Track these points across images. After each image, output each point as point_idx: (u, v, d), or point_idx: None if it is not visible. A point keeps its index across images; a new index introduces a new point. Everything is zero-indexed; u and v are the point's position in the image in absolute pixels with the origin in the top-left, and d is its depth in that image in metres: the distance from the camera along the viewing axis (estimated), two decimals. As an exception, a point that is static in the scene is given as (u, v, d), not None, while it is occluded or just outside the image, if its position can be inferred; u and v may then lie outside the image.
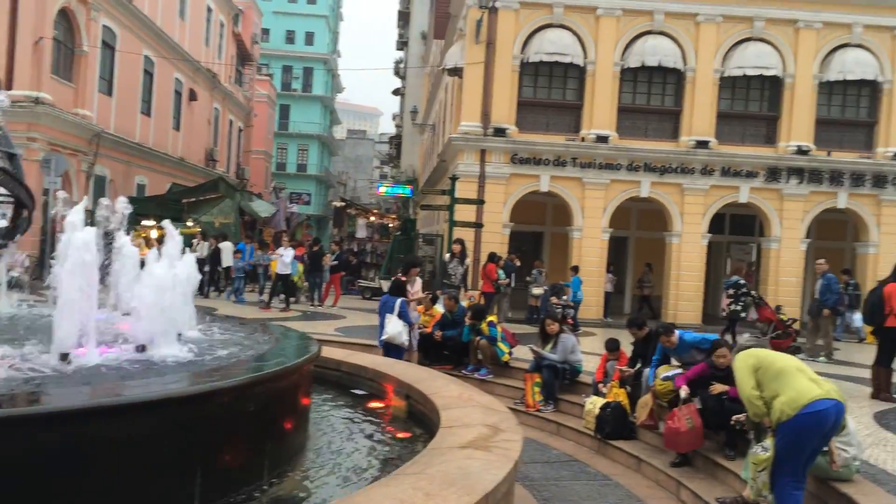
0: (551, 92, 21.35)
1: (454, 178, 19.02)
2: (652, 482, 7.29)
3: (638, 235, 23.82)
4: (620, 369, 8.83)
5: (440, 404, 5.74)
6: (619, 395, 8.52)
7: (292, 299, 21.26)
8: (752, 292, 15.93)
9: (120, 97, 26.11)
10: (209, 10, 35.02)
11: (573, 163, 20.54)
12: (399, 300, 9.75)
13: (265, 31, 59.31)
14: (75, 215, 4.99)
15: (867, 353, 12.35)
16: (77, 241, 4.79)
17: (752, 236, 23.24)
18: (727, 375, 6.65)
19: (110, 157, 25.41)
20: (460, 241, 16.05)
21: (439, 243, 23.44)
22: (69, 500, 3.54)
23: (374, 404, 6.99)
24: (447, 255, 16.46)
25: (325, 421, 6.30)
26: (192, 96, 32.68)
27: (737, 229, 23.50)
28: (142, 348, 5.05)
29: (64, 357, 4.48)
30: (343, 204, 37.90)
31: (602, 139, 20.47)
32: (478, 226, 19.49)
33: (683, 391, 7.07)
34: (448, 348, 11.16)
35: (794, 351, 14.05)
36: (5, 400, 3.62)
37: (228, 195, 28.23)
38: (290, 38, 65.54)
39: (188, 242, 21.44)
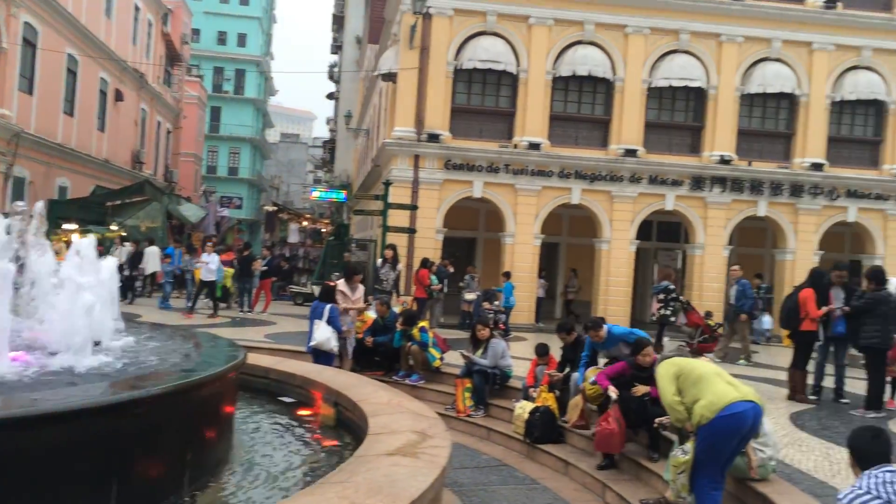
0: (484, 99, 21.54)
1: (388, 184, 18.99)
2: (579, 485, 7.40)
3: (569, 241, 24.22)
4: (549, 374, 8.94)
5: (369, 411, 5.71)
6: (548, 399, 8.62)
7: (223, 305, 20.86)
8: (681, 298, 16.37)
9: (41, 96, 25.14)
10: (136, 8, 34.09)
11: (506, 169, 20.76)
12: (328, 306, 9.65)
13: (196, 32, 58.04)
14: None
15: (784, 356, 12.83)
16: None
17: (677, 243, 23.89)
18: (650, 376, 6.80)
19: (30, 157, 24.42)
20: (392, 247, 16.02)
21: (373, 248, 23.34)
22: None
23: (302, 412, 6.90)
24: (379, 261, 16.40)
25: (250, 430, 6.19)
26: (119, 96, 31.73)
27: (663, 236, 24.14)
28: (56, 357, 4.86)
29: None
30: (275, 208, 37.32)
31: (534, 146, 20.75)
32: (411, 231, 19.49)
33: (613, 392, 7.17)
34: (379, 354, 11.10)
35: (724, 356, 14.59)
36: None
37: (155, 198, 27.48)
38: (221, 39, 64.33)
39: (109, 247, 20.81)
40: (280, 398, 7.24)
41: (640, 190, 21.22)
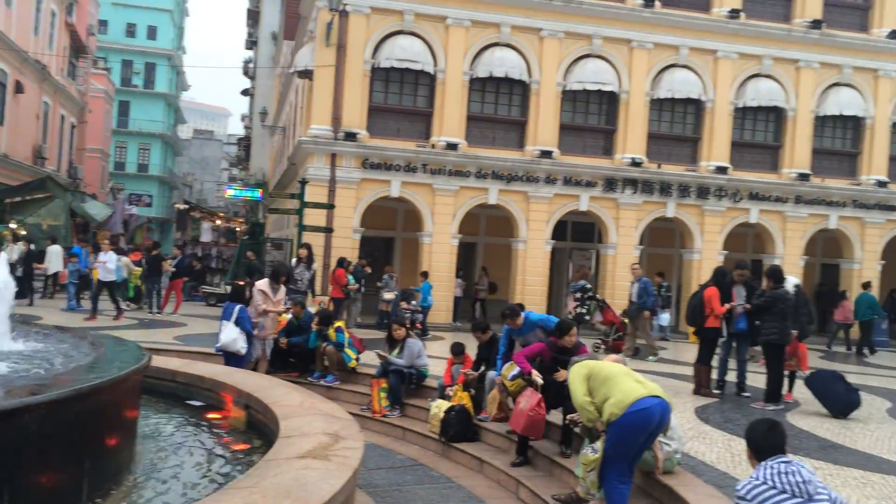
0: (402, 98, 21.49)
1: (304, 182, 18.71)
2: (493, 482, 7.46)
3: (486, 241, 24.43)
4: (465, 372, 8.98)
5: (280, 413, 5.61)
6: (464, 398, 8.66)
7: (134, 306, 20.15)
8: (597, 296, 16.75)
9: (-69, 86, 23.66)
10: (38, -4, 32.49)
11: (424, 169, 20.77)
12: (238, 306, 9.41)
13: (103, 23, 55.82)
14: None
15: (690, 352, 13.28)
16: None
17: (591, 242, 24.44)
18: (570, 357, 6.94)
19: (-82, 151, 22.96)
20: (307, 246, 15.79)
21: (289, 248, 22.96)
22: None
23: (211, 415, 6.72)
24: (294, 260, 16.14)
25: (156, 435, 5.98)
26: (19, 89, 30.15)
27: (578, 236, 24.64)
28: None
29: None
30: (186, 206, 36.26)
31: (452, 146, 20.83)
32: (328, 230, 19.27)
33: (537, 376, 7.22)
34: (294, 355, 10.93)
35: (635, 352, 15.02)
36: None
37: (58, 195, 26.27)
38: (130, 31, 62.07)
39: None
40: (188, 402, 7.03)
41: (556, 191, 21.60)
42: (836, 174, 23.75)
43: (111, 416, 4.89)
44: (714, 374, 11.24)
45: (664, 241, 25.05)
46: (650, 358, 14.97)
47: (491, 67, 21.03)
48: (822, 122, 23.71)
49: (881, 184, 23.60)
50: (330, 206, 19.39)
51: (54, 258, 20.64)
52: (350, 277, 17.37)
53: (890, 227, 23.84)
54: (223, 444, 5.92)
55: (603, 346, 15.09)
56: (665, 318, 19.65)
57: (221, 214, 37.57)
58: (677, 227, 23.86)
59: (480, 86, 21.60)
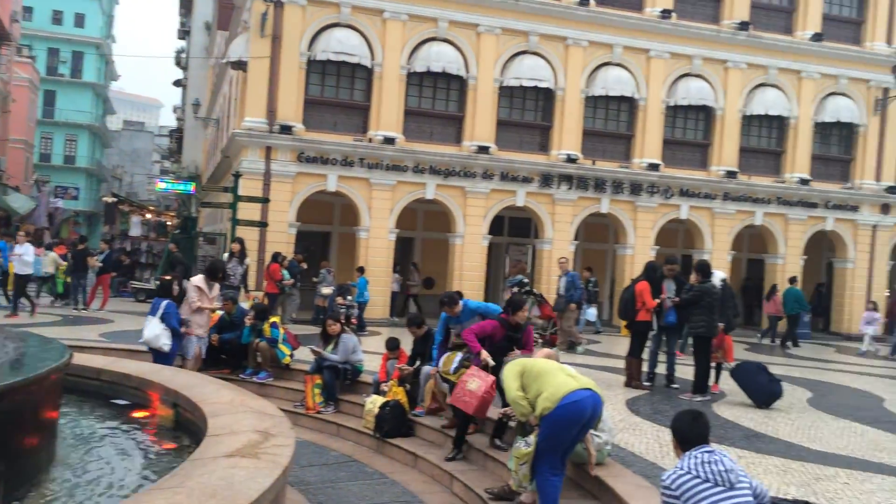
0: (339, 91, 21.28)
1: (237, 175, 18.36)
2: (428, 477, 7.47)
3: (423, 236, 24.43)
4: (400, 368, 8.96)
5: (209, 411, 5.48)
6: (398, 393, 8.64)
7: (63, 302, 19.50)
8: (535, 291, 16.92)
9: None
10: (-45, -22, 31.06)
11: (361, 163, 20.62)
12: (164, 302, 9.15)
13: (28, 10, 53.70)
14: None
15: (621, 345, 13.55)
16: None
17: (528, 238, 24.69)
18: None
19: None
20: (239, 240, 15.51)
21: (222, 242, 22.51)
22: None
23: (137, 414, 6.54)
24: (226, 255, 15.84)
25: (77, 435, 5.78)
26: (-67, 74, 28.80)
27: (515, 231, 24.87)
28: None
29: None
30: (114, 199, 35.16)
31: (389, 141, 20.74)
32: (262, 225, 18.97)
33: (487, 357, 7.22)
34: (226, 352, 10.73)
35: (570, 346, 15.27)
36: None
37: (-23, 187, 25.20)
38: (56, 18, 59.83)
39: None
40: (114, 401, 6.82)
41: (493, 186, 21.72)
42: (761, 172, 24.55)
43: (29, 416, 4.70)
44: (645, 367, 11.49)
45: (599, 236, 25.50)
46: (579, 349, 15.29)
47: (428, 62, 21.00)
48: (749, 122, 24.46)
49: (804, 181, 24.49)
50: (265, 200, 19.09)
51: (-28, 253, 19.77)
52: (285, 272, 17.15)
53: (812, 224, 24.78)
54: (150, 444, 5.76)
55: (540, 340, 15.25)
56: (591, 312, 19.95)
57: (152, 208, 36.58)
58: (611, 223, 24.30)
59: (418, 80, 21.56)
